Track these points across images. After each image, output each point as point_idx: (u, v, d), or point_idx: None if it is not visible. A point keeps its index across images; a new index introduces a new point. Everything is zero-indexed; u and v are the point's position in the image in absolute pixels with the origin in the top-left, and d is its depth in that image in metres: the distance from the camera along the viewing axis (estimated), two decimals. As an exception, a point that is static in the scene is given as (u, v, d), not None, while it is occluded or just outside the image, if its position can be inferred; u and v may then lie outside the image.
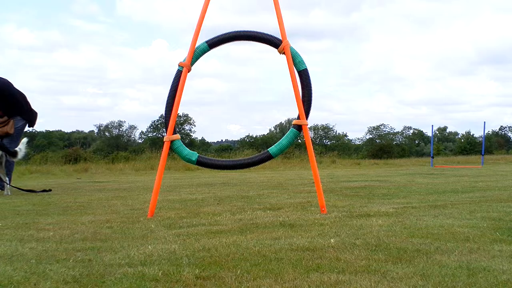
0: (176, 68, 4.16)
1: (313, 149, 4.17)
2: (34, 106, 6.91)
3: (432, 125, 18.36)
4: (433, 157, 17.56)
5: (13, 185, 6.52)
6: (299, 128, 4.14)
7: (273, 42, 4.20)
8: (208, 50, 4.20)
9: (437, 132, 62.87)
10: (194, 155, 4.12)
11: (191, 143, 53.60)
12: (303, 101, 4.11)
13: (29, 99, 6.90)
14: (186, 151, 4.13)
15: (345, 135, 60.50)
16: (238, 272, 2.01)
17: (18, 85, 6.76)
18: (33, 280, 1.95)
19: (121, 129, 65.88)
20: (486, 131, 20.73)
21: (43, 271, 2.07)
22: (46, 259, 2.32)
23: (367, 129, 66.20)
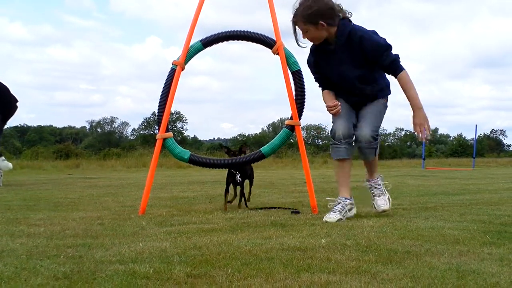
0: (169, 65, 4.15)
1: (305, 149, 4.17)
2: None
3: (424, 127, 18.45)
4: (424, 159, 17.65)
5: None
6: (291, 128, 4.14)
7: (267, 42, 4.19)
8: (202, 49, 4.19)
9: (428, 134, 63.10)
10: (186, 153, 4.12)
11: (183, 141, 53.51)
12: (296, 102, 4.10)
13: (17, 96, 6.90)
14: (179, 149, 4.12)
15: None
16: (229, 271, 2.01)
17: (10, 79, 6.78)
18: (23, 276, 1.94)
19: (113, 126, 65.71)
20: (477, 134, 20.84)
21: (33, 267, 2.06)
22: (37, 255, 2.31)
23: (359, 130, 66.34)
